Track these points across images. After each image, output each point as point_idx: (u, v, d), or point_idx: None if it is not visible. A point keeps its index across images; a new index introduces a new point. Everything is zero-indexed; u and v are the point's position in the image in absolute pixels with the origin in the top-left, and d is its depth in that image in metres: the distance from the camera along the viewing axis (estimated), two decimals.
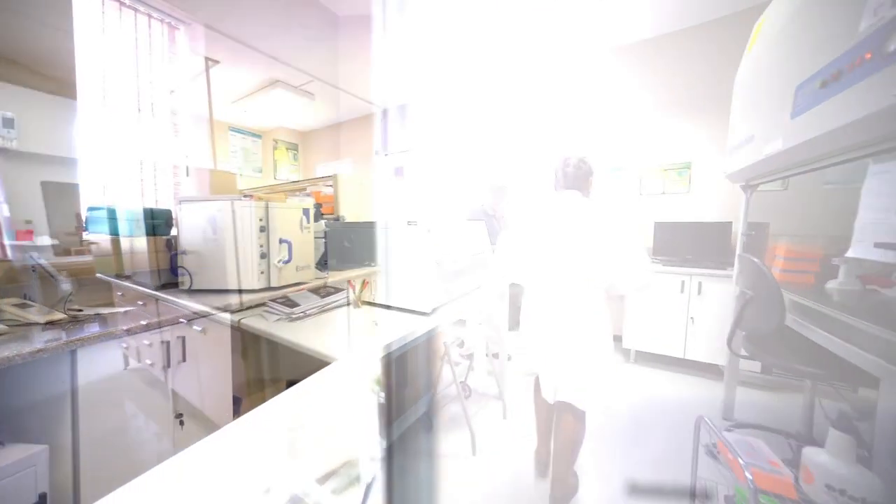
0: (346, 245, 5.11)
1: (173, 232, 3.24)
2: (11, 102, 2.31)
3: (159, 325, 2.21)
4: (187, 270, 3.14)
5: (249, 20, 4.10)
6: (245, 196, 3.07)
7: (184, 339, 2.36)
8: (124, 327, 2.04)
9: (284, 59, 4.63)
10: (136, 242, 2.94)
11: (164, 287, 3.20)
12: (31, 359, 1.68)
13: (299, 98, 4.86)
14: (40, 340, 1.79)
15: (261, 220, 3.11)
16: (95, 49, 2.94)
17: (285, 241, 3.26)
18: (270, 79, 4.36)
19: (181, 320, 2.35)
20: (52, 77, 2.44)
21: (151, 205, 3.31)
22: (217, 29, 3.70)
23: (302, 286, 3.48)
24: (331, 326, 2.43)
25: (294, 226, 3.39)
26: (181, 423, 2.35)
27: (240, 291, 3.06)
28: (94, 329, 1.97)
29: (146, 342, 2.17)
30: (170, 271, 3.21)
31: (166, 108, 3.46)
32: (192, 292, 3.14)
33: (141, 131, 3.23)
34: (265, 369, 4.37)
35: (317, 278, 3.81)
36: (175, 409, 2.33)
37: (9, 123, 2.26)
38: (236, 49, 3.94)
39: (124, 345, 2.07)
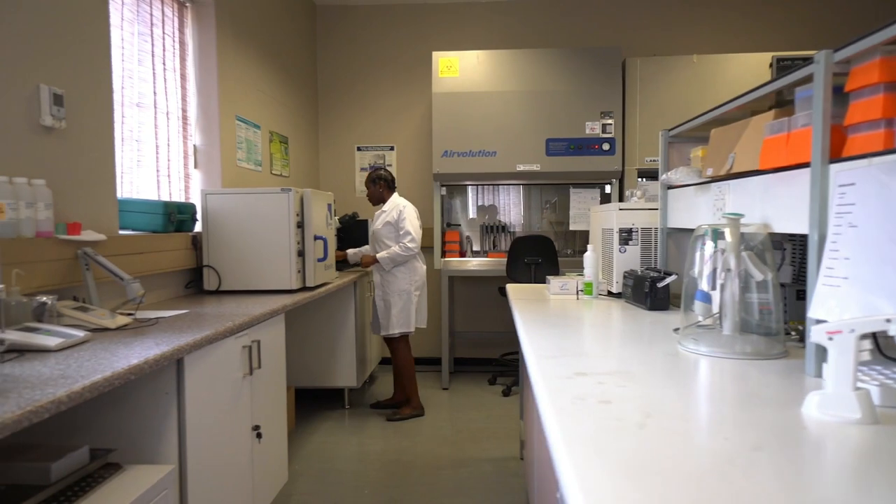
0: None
1: (197, 227, 2.97)
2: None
3: (240, 329, 2.00)
4: (215, 270, 2.88)
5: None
6: (283, 189, 2.86)
7: (259, 343, 2.15)
8: (215, 330, 1.83)
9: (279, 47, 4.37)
10: (163, 239, 2.65)
11: (187, 287, 2.92)
12: (150, 369, 1.46)
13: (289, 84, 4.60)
14: (146, 347, 1.56)
15: (297, 214, 2.91)
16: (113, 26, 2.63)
17: (320, 238, 3.07)
18: (267, 67, 4.09)
19: (256, 322, 2.14)
20: None
21: (164, 198, 3.00)
22: (225, 7, 3.42)
23: (328, 286, 3.29)
24: None
25: (322, 221, 3.20)
26: (258, 436, 2.14)
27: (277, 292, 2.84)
28: (194, 334, 1.75)
29: (226, 348, 1.96)
30: (194, 270, 2.94)
31: (177, 92, 3.15)
32: (221, 293, 2.89)
33: (156, 117, 2.92)
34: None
35: (336, 277, 3.63)
36: (252, 420, 2.11)
37: (59, 101, 1.96)
38: (242, 31, 3.66)
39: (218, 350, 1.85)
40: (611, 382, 1.18)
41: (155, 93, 2.91)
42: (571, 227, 4.80)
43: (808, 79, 1.29)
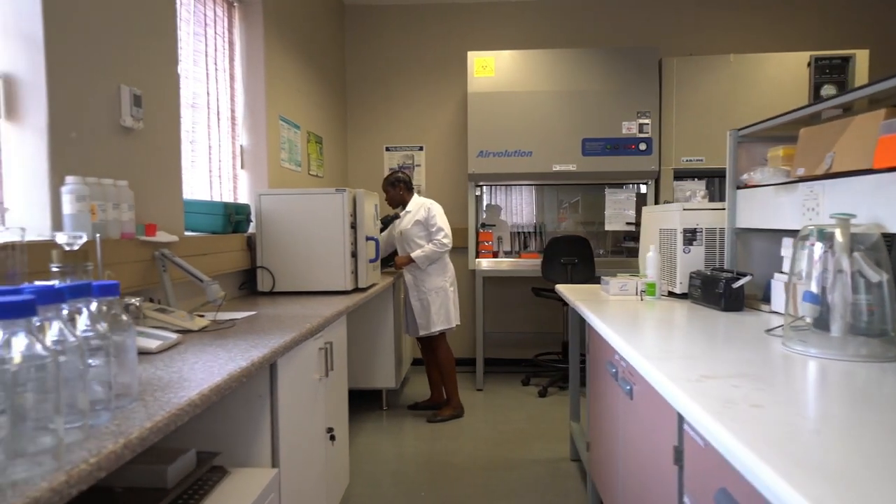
0: None
1: (251, 228, 2.96)
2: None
3: (318, 330, 1.99)
4: (269, 271, 2.87)
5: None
6: (338, 190, 2.85)
7: (331, 345, 2.14)
8: (299, 332, 1.81)
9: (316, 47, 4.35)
10: (223, 240, 2.64)
11: (240, 288, 2.91)
12: (255, 371, 1.44)
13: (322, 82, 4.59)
14: (243, 350, 1.55)
15: (351, 215, 2.90)
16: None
17: (372, 239, 3.06)
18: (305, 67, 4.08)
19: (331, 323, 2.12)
20: None
21: (216, 199, 2.99)
22: (271, 7, 3.41)
23: (375, 286, 3.28)
24: None
25: (371, 222, 3.19)
26: (332, 438, 2.12)
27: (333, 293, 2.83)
28: (280, 336, 1.73)
29: (307, 350, 1.94)
30: (247, 272, 2.93)
31: (227, 92, 3.15)
32: (274, 295, 2.88)
33: (209, 118, 2.91)
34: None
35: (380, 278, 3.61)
36: (327, 422, 2.10)
37: (138, 101, 1.95)
38: (285, 30, 3.65)
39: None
40: (746, 386, 1.16)
41: (208, 93, 2.90)
42: (607, 228, 4.78)
43: None
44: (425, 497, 2.79)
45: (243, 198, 3.30)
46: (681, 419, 1.27)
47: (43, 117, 1.57)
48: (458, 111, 5.28)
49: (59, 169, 1.61)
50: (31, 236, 1.54)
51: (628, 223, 4.71)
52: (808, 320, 1.51)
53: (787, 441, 0.87)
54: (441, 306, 3.84)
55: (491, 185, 5.15)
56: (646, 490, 1.58)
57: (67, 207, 1.58)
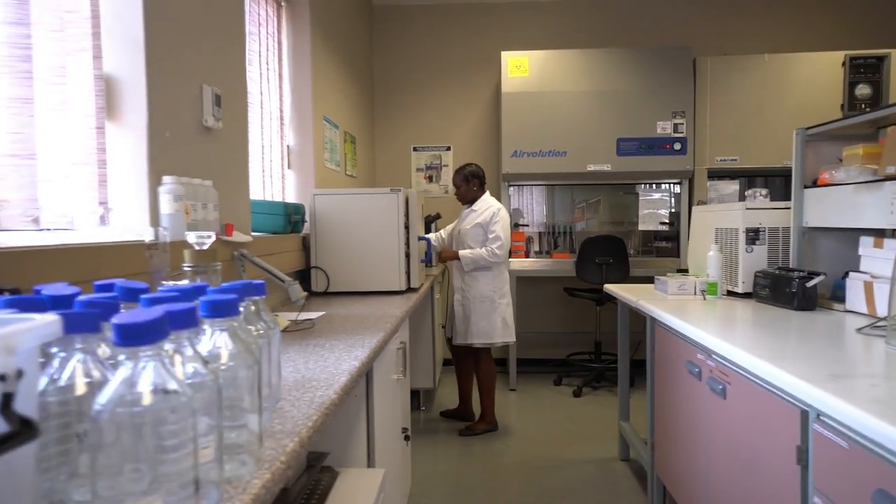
0: None
1: (305, 228, 2.96)
2: None
3: (396, 330, 1.98)
4: (324, 271, 2.87)
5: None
6: (393, 189, 2.84)
7: (405, 345, 2.13)
8: (385, 331, 1.81)
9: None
10: (283, 240, 2.64)
11: None
12: (365, 370, 1.44)
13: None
14: (342, 350, 1.54)
15: (405, 215, 2.89)
16: None
17: (424, 238, 3.05)
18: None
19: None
20: None
21: (267, 199, 2.99)
22: (317, 7, 3.41)
23: (424, 286, 3.27)
24: None
25: (420, 222, 3.18)
26: (406, 438, 2.12)
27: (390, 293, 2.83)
28: (371, 335, 1.73)
29: (388, 350, 1.94)
30: (300, 272, 2.92)
31: (276, 92, 3.14)
32: (329, 295, 2.87)
33: (262, 117, 2.91)
34: None
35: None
36: (403, 422, 2.10)
37: (218, 101, 1.94)
38: (328, 31, 3.65)
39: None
40: (883, 385, 1.16)
41: (261, 93, 2.90)
42: (640, 227, 4.78)
43: None
44: (483, 498, 2.78)
45: (290, 198, 3.30)
46: (805, 419, 1.26)
47: (143, 117, 1.56)
48: (485, 111, 5.29)
49: (156, 169, 1.61)
50: (131, 236, 1.54)
51: (662, 223, 4.71)
52: None
53: None
54: (482, 318, 3.52)
55: (519, 186, 5.13)
56: (746, 491, 1.57)
57: (165, 207, 1.57)
